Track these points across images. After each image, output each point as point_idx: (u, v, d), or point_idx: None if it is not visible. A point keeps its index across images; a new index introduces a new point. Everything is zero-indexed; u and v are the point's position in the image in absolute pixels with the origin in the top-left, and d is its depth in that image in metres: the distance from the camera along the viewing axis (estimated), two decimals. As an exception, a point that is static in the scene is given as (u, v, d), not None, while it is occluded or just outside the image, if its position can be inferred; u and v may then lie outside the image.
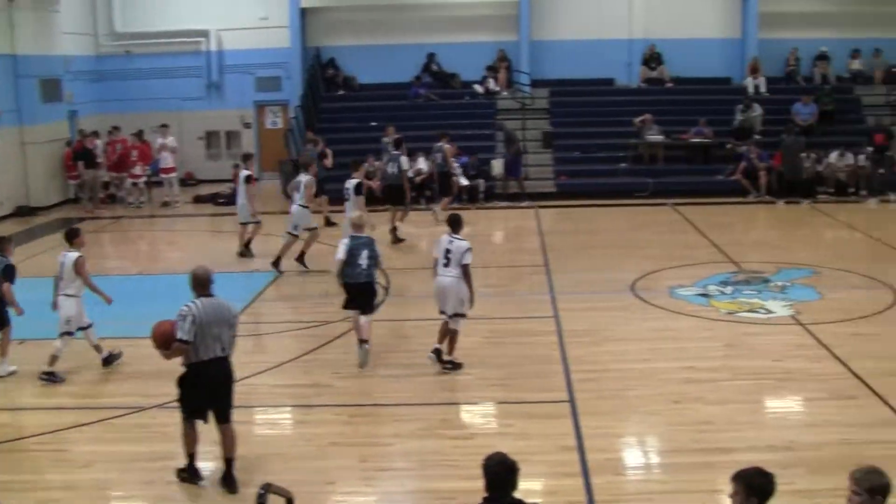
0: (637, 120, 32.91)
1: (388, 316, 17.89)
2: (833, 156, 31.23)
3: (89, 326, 15.28)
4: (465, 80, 36.43)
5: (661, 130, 32.82)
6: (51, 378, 14.70)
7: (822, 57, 36.66)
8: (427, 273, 19.71)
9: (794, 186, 30.33)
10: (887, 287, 19.49)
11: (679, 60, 36.55)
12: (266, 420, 13.47)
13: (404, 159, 26.33)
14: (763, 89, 35.40)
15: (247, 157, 24.83)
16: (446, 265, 14.78)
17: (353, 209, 20.81)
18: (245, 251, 23.51)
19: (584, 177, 32.06)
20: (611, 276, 20.98)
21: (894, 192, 31.06)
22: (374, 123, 31.90)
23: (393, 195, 25.80)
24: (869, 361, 14.89)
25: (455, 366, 14.94)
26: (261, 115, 37.17)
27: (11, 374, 15.12)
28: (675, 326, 17.27)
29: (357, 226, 15.88)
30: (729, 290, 19.57)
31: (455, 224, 15.05)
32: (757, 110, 33.46)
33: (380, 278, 16.61)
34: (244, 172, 23.60)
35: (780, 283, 19.93)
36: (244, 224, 23.68)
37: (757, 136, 32.62)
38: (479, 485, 7.41)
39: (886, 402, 13.18)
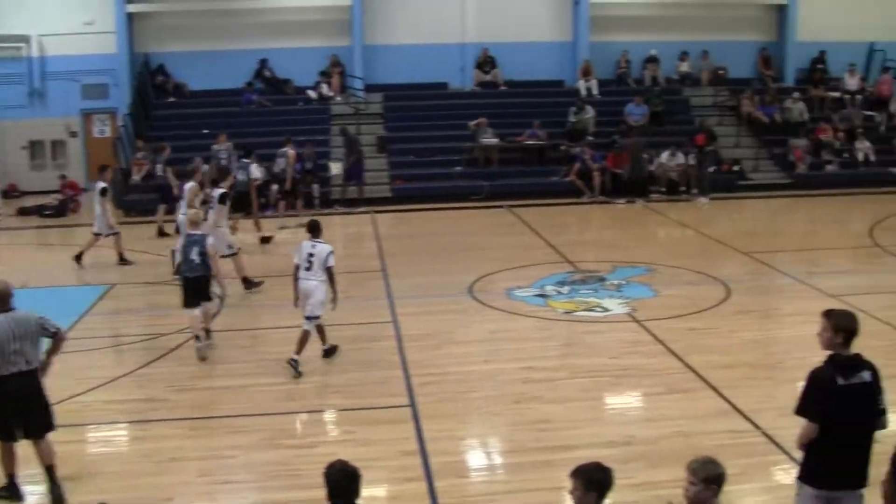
0: (472, 123, 33.06)
1: (224, 326, 17.63)
2: (664, 156, 31.82)
3: None
4: (298, 85, 36.11)
5: (495, 133, 32.99)
6: None
7: (652, 59, 37.43)
8: (266, 281, 19.65)
9: (633, 186, 30.79)
10: (719, 282, 19.90)
11: (512, 64, 36.84)
12: (100, 438, 13.02)
13: (254, 167, 26.27)
14: (595, 91, 35.94)
15: (103, 169, 24.12)
16: (308, 269, 15.04)
17: (213, 218, 20.01)
18: (123, 261, 23.10)
19: (419, 181, 32.08)
20: (448, 279, 21.01)
21: (723, 190, 31.78)
22: (206, 131, 31.46)
23: (241, 202, 25.25)
24: (703, 355, 15.20)
25: (332, 349, 15.72)
26: (88, 124, 36.19)
27: None
28: (514, 327, 17.36)
29: (193, 223, 16.40)
30: (566, 289, 19.74)
31: (315, 229, 15.39)
32: (589, 112, 33.92)
33: (215, 287, 16.32)
34: (100, 184, 23.14)
35: (615, 282, 20.19)
36: (97, 235, 23.18)
37: (590, 138, 33.04)
38: (321, 494, 7.31)
39: (721, 394, 13.46)
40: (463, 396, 13.82)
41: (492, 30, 36.71)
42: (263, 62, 35.95)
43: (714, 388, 13.71)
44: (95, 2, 34.70)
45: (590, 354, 15.70)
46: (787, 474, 10.66)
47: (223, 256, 18.98)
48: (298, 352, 15.01)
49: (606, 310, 18.16)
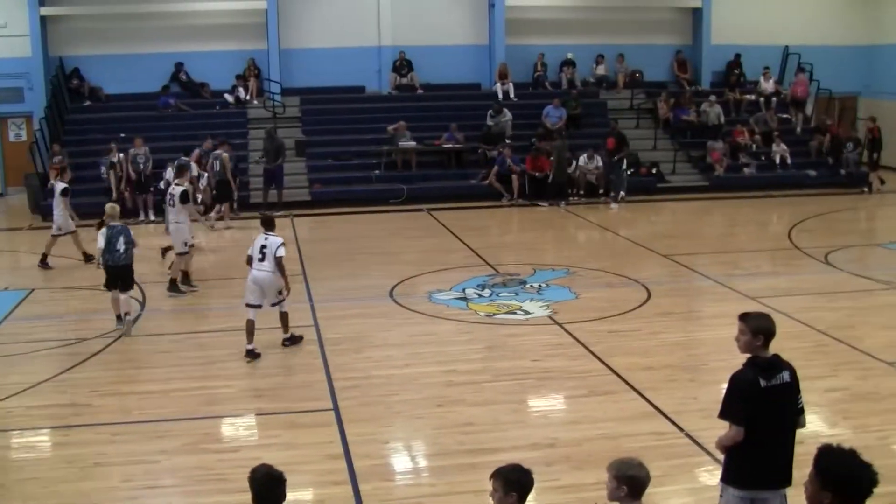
0: (391, 127, 32.97)
1: (146, 331, 17.46)
2: (582, 159, 31.91)
3: None
4: (214, 89, 35.83)
5: (413, 137, 32.95)
6: None
7: (568, 62, 37.57)
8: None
9: (555, 189, 30.88)
10: (639, 285, 20.02)
11: (429, 67, 36.82)
12: (23, 444, 12.83)
13: (225, 157, 27.49)
14: (512, 94, 35.96)
15: (62, 171, 24.65)
16: (261, 260, 15.89)
17: (177, 217, 20.42)
18: (89, 258, 22.93)
19: (338, 185, 31.96)
20: (369, 282, 20.96)
21: (641, 193, 32.02)
22: (122, 135, 31.08)
23: (221, 192, 27.57)
24: (625, 357, 15.30)
25: (294, 339, 16.54)
26: (3, 128, 35.62)
27: None
28: (436, 331, 17.35)
29: (111, 216, 17.79)
30: (487, 292, 19.75)
31: (268, 223, 16.52)
32: (507, 115, 33.95)
33: (135, 292, 16.19)
34: (60, 185, 23.46)
35: (536, 285, 20.22)
36: (56, 236, 23.43)
37: (507, 141, 33.08)
38: (246, 498, 7.21)
39: (644, 396, 13.53)
40: (386, 400, 13.77)
41: (408, 33, 36.67)
42: (179, 66, 35.60)
43: (637, 391, 13.77)
44: (8, 5, 34.13)
45: (512, 357, 15.69)
46: (710, 475, 10.72)
47: (178, 254, 20.16)
48: (250, 341, 15.74)
49: (528, 313, 18.18)
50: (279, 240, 16.03)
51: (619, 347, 15.91)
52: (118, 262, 17.35)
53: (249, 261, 16.08)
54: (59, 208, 23.37)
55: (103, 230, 17.67)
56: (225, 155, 28.68)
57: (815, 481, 5.83)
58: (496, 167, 31.41)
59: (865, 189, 33.30)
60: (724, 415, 8.06)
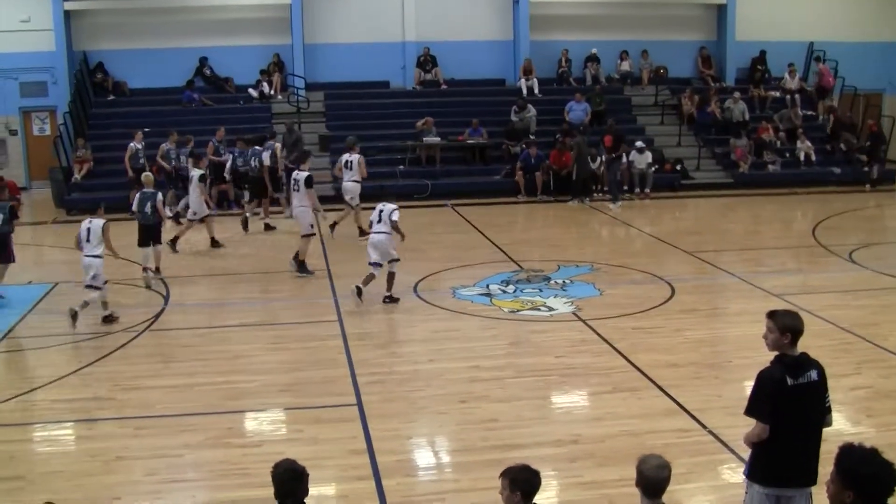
0: (419, 123, 32.95)
1: (170, 325, 17.54)
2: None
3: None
4: (238, 84, 35.90)
5: (437, 132, 32.94)
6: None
7: (593, 58, 37.48)
8: (212, 279, 19.68)
9: (579, 185, 30.80)
10: (664, 282, 19.97)
11: (453, 63, 36.88)
12: (46, 437, 12.81)
13: (265, 154, 27.59)
14: (536, 90, 35.97)
15: (199, 158, 25.83)
16: (379, 222, 18.55)
17: (302, 201, 21.72)
18: (215, 244, 24.72)
19: (363, 180, 31.95)
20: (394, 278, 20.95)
21: (666, 189, 31.99)
22: (147, 129, 31.16)
23: (256, 189, 27.83)
24: (649, 354, 15.26)
25: (394, 300, 18.79)
26: (27, 122, 35.79)
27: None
28: (460, 326, 17.34)
29: (146, 183, 21.38)
30: (511, 288, 19.74)
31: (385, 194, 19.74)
32: (531, 111, 33.93)
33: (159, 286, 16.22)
34: (197, 171, 24.45)
35: (560, 281, 20.21)
36: (192, 220, 24.60)
37: (532, 137, 33.06)
38: (269, 492, 7.25)
39: (667, 394, 13.48)
40: (409, 395, 13.79)
41: (432, 29, 36.70)
42: (204, 60, 35.69)
43: (660, 388, 13.74)
44: (32, -1, 34.36)
45: (536, 353, 15.72)
46: (734, 473, 10.71)
47: (304, 236, 21.52)
48: (364, 284, 18.40)
49: (552, 309, 18.17)
50: (393, 205, 18.62)
51: (643, 344, 15.88)
52: (147, 221, 20.84)
53: (371, 224, 19.01)
54: (196, 193, 24.29)
55: (138, 194, 21.29)
56: (277, 145, 29.01)
57: (837, 480, 5.82)
58: (520, 163, 31.37)
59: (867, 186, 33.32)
60: (750, 411, 8.03)
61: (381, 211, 18.61)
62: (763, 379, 7.98)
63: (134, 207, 21.21)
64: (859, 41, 38.58)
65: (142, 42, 35.20)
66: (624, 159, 31.75)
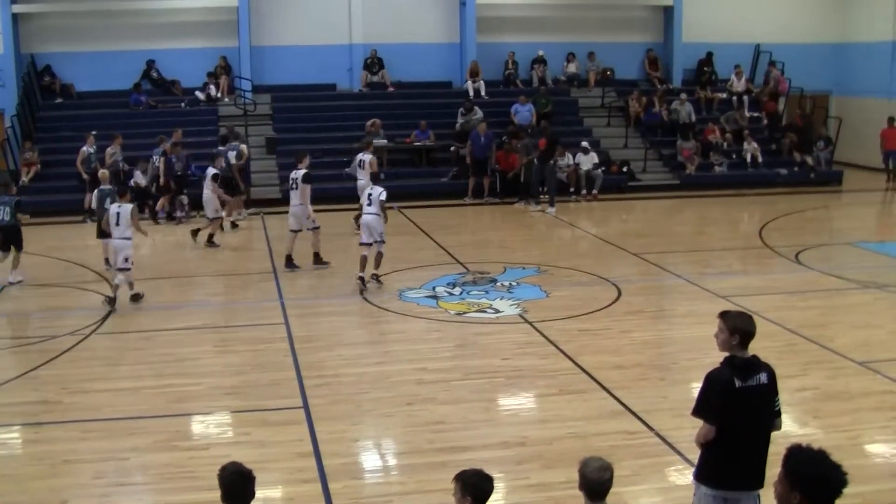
0: (368, 124, 32.84)
1: (117, 328, 17.43)
2: (553, 157, 31.94)
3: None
4: (186, 86, 35.73)
5: (384, 134, 32.89)
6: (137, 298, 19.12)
7: (539, 60, 37.56)
8: (157, 283, 19.61)
9: (526, 187, 30.82)
10: (610, 283, 20.04)
11: (400, 65, 36.82)
12: (-8, 440, 12.80)
13: (231, 154, 28.40)
14: (483, 92, 35.99)
15: (214, 157, 26.17)
16: (369, 205, 20.09)
17: (297, 199, 22.06)
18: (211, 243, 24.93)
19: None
20: (339, 280, 20.95)
21: (612, 191, 32.12)
22: (94, 132, 30.91)
23: (227, 186, 27.29)
24: (596, 356, 15.32)
25: (379, 280, 20.32)
26: (-26, 125, 35.48)
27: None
28: (406, 329, 17.38)
29: (102, 181, 22.60)
30: (457, 291, 19.75)
31: (375, 177, 22.20)
32: (478, 113, 33.89)
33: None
34: (211, 170, 25.07)
35: (506, 283, 20.23)
36: (213, 219, 25.10)
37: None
38: (216, 495, 7.18)
39: (614, 395, 13.54)
40: (356, 398, 13.76)
41: (379, 31, 36.60)
42: (151, 63, 35.47)
43: (607, 389, 13.78)
44: (-21, 2, 33.99)
45: (482, 356, 15.72)
46: (681, 475, 10.77)
47: (312, 229, 22.12)
48: (361, 270, 19.90)
49: (498, 311, 18.18)
50: (381, 189, 20.29)
51: (589, 346, 15.93)
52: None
53: (362, 207, 20.76)
54: (209, 192, 24.92)
55: (96, 192, 22.35)
56: (243, 146, 29.44)
57: (785, 482, 5.82)
58: (469, 142, 31.48)
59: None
60: (697, 412, 8.06)
61: (370, 194, 20.20)
62: (711, 380, 7.99)
63: (93, 205, 22.50)
64: (805, 42, 38.97)
65: (89, 45, 34.91)
66: (570, 161, 31.85)
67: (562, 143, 31.57)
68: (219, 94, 35.28)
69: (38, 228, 26.65)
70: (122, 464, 11.57)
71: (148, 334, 17.10)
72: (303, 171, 22.11)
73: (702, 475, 8.20)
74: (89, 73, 34.85)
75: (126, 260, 18.78)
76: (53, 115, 34.24)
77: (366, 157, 26.24)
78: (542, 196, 31.01)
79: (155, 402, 13.68)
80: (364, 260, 19.97)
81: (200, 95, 35.24)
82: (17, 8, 33.95)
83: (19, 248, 21.09)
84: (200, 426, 13.15)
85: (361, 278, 19.87)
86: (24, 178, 30.66)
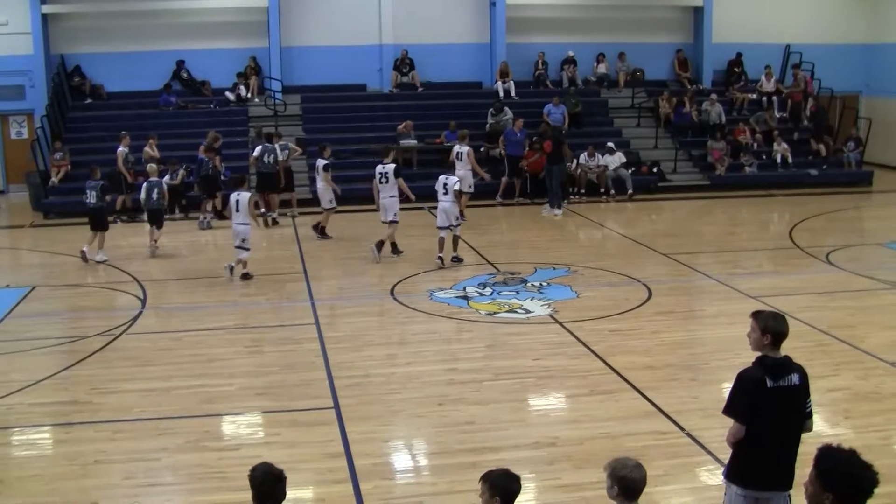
0: (400, 126, 32.89)
1: (147, 329, 17.48)
2: (583, 157, 31.91)
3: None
4: (215, 87, 35.84)
5: (414, 135, 32.91)
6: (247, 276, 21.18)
7: (569, 61, 37.52)
8: (187, 283, 19.67)
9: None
10: (641, 284, 20.00)
11: (429, 65, 36.85)
12: (24, 441, 12.79)
13: (278, 150, 29.00)
14: (513, 93, 35.94)
15: (322, 148, 26.99)
16: (445, 194, 21.82)
17: (390, 192, 23.32)
18: (323, 236, 26.12)
19: (339, 183, 31.87)
20: (370, 281, 21.04)
21: (643, 192, 32.07)
22: (124, 133, 31.05)
23: (268, 183, 28.63)
24: (626, 357, 15.29)
25: (460, 259, 22.42)
26: (4, 126, 35.52)
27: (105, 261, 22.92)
28: (437, 329, 17.38)
29: (150, 174, 25.07)
30: (487, 291, 19.74)
31: (451, 166, 24.35)
32: (508, 113, 33.88)
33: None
34: (322, 161, 26.08)
35: (537, 283, 20.21)
36: (328, 210, 26.20)
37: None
38: (247, 496, 7.21)
39: (644, 396, 13.51)
40: (386, 398, 13.77)
41: (409, 31, 36.65)
42: (180, 63, 35.59)
43: (637, 390, 13.76)
44: (10, 2, 34.07)
45: (513, 356, 15.70)
46: (711, 475, 10.74)
47: (390, 222, 23.35)
48: (440, 252, 22.00)
49: (528, 311, 18.17)
50: (455, 178, 22.23)
51: (620, 346, 15.91)
52: (154, 206, 24.41)
53: (437, 194, 22.14)
54: (322, 182, 26.06)
55: (144, 184, 24.90)
56: (291, 144, 30.06)
57: (816, 482, 5.80)
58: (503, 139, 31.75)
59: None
60: (727, 410, 8.06)
61: (444, 183, 21.87)
62: (742, 379, 7.98)
63: (142, 196, 24.66)
64: (835, 43, 38.76)
65: (119, 45, 35.03)
66: (599, 161, 31.85)
67: (569, 144, 31.44)
68: (249, 95, 35.38)
69: (68, 229, 26.83)
70: (152, 464, 11.60)
71: (178, 335, 17.15)
72: (393, 166, 23.52)
73: (733, 475, 8.18)
74: (119, 73, 35.00)
75: (244, 241, 20.93)
76: (83, 116, 34.41)
77: (463, 149, 27.80)
78: (572, 196, 31.09)
79: (185, 402, 13.72)
80: (441, 242, 21.95)
81: (230, 96, 35.35)
82: (46, 8, 34.13)
83: (104, 228, 23.39)
84: (231, 426, 13.18)
85: (440, 258, 21.93)
86: (54, 179, 30.80)
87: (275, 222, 28.17)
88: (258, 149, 28.50)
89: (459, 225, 22.44)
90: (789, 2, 39.15)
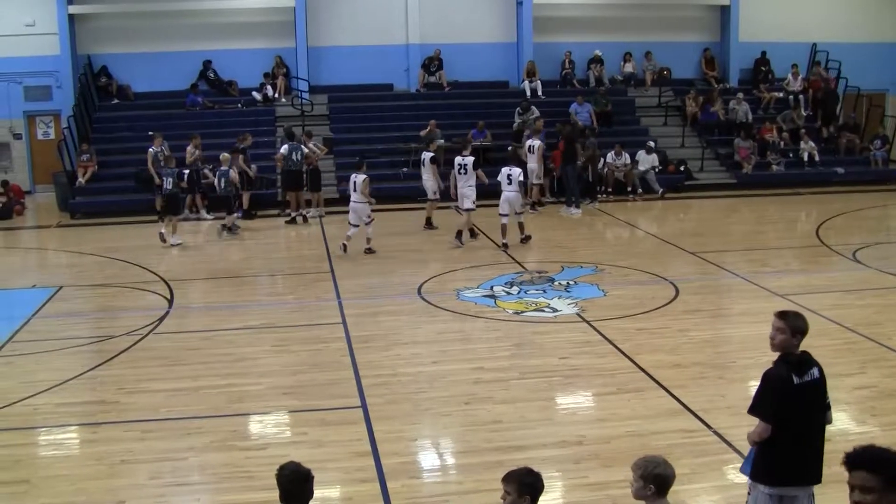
0: (423, 133, 32.81)
1: (174, 328, 17.54)
2: (610, 156, 31.90)
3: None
4: (242, 87, 35.96)
5: (441, 134, 32.90)
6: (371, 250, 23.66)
7: (596, 60, 37.51)
8: (215, 283, 19.72)
9: (590, 187, 30.84)
10: (668, 282, 19.97)
11: (456, 65, 36.90)
12: (51, 441, 12.78)
13: (304, 148, 29.33)
14: (540, 92, 35.99)
15: (429, 141, 28.85)
16: (510, 184, 24.06)
17: (469, 181, 25.16)
18: (429, 225, 27.21)
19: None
20: (397, 280, 21.01)
21: (670, 190, 32.03)
22: (150, 133, 31.18)
23: (294, 181, 29.11)
24: (653, 355, 15.24)
25: (528, 239, 24.67)
26: (31, 126, 35.75)
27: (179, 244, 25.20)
28: (463, 328, 17.37)
29: (223, 162, 26.82)
30: (514, 290, 19.73)
31: (516, 158, 26.33)
32: (535, 112, 33.88)
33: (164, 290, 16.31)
34: (427, 154, 27.45)
35: (564, 282, 20.20)
36: (432, 201, 27.30)
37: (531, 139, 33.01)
38: (274, 495, 7.24)
39: (672, 394, 13.47)
40: (414, 397, 13.78)
41: (436, 31, 36.73)
42: (207, 64, 35.71)
43: (665, 388, 13.73)
44: (37, 3, 34.30)
45: (540, 355, 15.69)
46: (738, 473, 10.69)
47: (467, 210, 25.16)
48: (503, 236, 24.14)
49: (555, 310, 18.15)
50: (519, 170, 24.48)
51: (647, 345, 15.88)
52: (226, 192, 26.73)
53: (502, 184, 24.16)
54: (429, 174, 27.23)
55: (285, 146, 28.43)
56: (311, 145, 29.93)
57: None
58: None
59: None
60: (753, 410, 8.08)
61: (508, 174, 24.09)
62: (770, 378, 8.01)
63: (215, 183, 27.04)
64: (862, 41, 38.63)
65: (146, 45, 35.20)
66: (626, 160, 31.86)
67: (590, 143, 31.54)
68: (276, 95, 35.47)
69: (95, 229, 26.99)
70: (180, 464, 11.60)
71: (205, 334, 17.20)
72: (472, 158, 25.44)
73: (758, 473, 8.18)
74: (146, 73, 35.20)
75: (368, 216, 23.66)
76: (110, 116, 34.59)
77: (535, 142, 29.05)
78: (599, 195, 31.15)
79: (212, 401, 13.74)
80: (504, 228, 23.98)
81: (257, 96, 35.47)
82: (73, 9, 34.30)
83: (177, 213, 26.08)
84: (258, 426, 13.19)
85: (505, 244, 23.87)
86: (81, 179, 30.94)
87: (304, 220, 28.35)
88: (285, 147, 28.60)
89: (524, 213, 25.26)
90: (816, 0, 39.01)
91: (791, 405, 7.87)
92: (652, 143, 32.96)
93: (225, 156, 27.15)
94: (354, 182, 23.75)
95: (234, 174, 26.93)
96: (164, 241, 24.82)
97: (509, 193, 23.98)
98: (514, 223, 24.42)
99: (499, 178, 24.32)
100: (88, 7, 34.83)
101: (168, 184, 25.87)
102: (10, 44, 34.06)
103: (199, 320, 18.30)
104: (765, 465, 8.13)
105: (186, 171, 27.76)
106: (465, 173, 25.09)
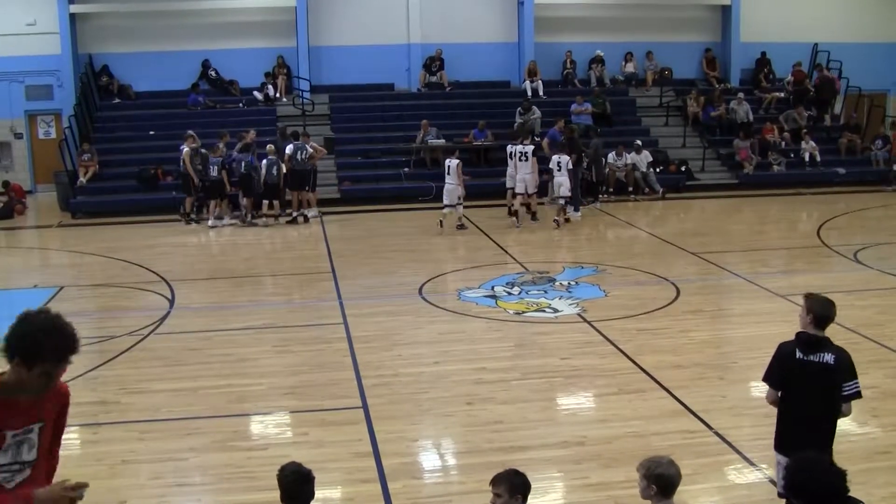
0: (419, 137, 32.93)
1: (175, 328, 17.53)
2: (611, 156, 31.92)
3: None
4: (243, 86, 36.00)
5: (442, 134, 32.90)
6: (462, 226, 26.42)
7: (597, 60, 37.56)
8: (215, 283, 19.68)
9: (594, 187, 30.84)
10: (669, 283, 19.97)
11: (457, 65, 36.94)
12: (51, 441, 12.82)
13: (307, 148, 29.23)
14: (541, 92, 36.03)
15: (452, 150, 28.77)
16: (559, 170, 26.62)
17: (528, 168, 27.16)
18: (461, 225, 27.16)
19: (367, 182, 32.06)
20: (398, 280, 21.00)
21: (671, 191, 32.06)
22: (152, 132, 31.20)
23: (301, 181, 29.01)
24: (654, 356, 15.21)
25: (564, 222, 26.94)
26: (32, 125, 35.76)
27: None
28: (465, 328, 17.30)
29: (269, 153, 28.18)
30: (516, 290, 19.72)
31: (571, 143, 28.33)
32: (536, 113, 33.92)
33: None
34: (454, 161, 26.79)
35: (565, 283, 20.19)
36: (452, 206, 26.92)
37: (537, 139, 33.00)
38: (275, 496, 7.24)
39: (673, 395, 13.44)
40: (415, 398, 13.75)
41: (437, 31, 36.78)
42: (208, 63, 35.74)
43: (666, 389, 13.71)
44: (38, 2, 34.33)
45: (541, 355, 15.67)
46: (740, 474, 10.72)
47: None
48: (558, 215, 26.83)
49: (557, 310, 18.14)
50: (568, 157, 26.74)
51: (648, 345, 15.86)
52: (272, 181, 28.20)
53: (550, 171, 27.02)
54: (455, 178, 26.79)
55: (265, 161, 28.18)
56: (314, 144, 29.87)
57: None
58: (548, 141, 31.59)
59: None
60: (764, 377, 8.83)
61: (558, 162, 26.76)
62: (778, 350, 8.77)
63: (262, 172, 28.16)
64: (863, 41, 38.67)
65: (147, 45, 35.24)
66: (627, 160, 31.88)
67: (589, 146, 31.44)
68: (277, 95, 35.50)
69: (96, 229, 26.98)
70: (181, 464, 11.58)
71: (206, 334, 17.17)
72: (531, 147, 27.31)
73: (777, 444, 8.85)
74: (147, 73, 35.23)
75: (459, 197, 26.28)
76: (111, 116, 34.67)
77: (528, 147, 28.19)
78: (601, 195, 31.16)
79: (213, 402, 13.71)
80: (560, 209, 26.94)
81: (258, 95, 35.50)
82: (74, 8, 34.34)
83: (222, 198, 28.51)
84: (259, 426, 13.16)
85: (557, 220, 26.72)
86: (82, 179, 30.93)
87: (305, 220, 28.32)
88: (290, 147, 28.54)
89: (570, 196, 27.20)
90: (817, 0, 39.07)
91: (791, 377, 8.55)
92: (639, 142, 32.91)
93: (271, 147, 28.42)
94: (448, 166, 26.35)
95: (284, 164, 28.17)
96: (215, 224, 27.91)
97: (560, 178, 26.61)
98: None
99: (550, 166, 27.10)
100: (90, 6, 34.87)
101: (214, 171, 27.97)
102: (12, 43, 34.08)
103: (200, 320, 18.28)
104: (777, 434, 8.88)
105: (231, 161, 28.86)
106: (526, 160, 26.95)
